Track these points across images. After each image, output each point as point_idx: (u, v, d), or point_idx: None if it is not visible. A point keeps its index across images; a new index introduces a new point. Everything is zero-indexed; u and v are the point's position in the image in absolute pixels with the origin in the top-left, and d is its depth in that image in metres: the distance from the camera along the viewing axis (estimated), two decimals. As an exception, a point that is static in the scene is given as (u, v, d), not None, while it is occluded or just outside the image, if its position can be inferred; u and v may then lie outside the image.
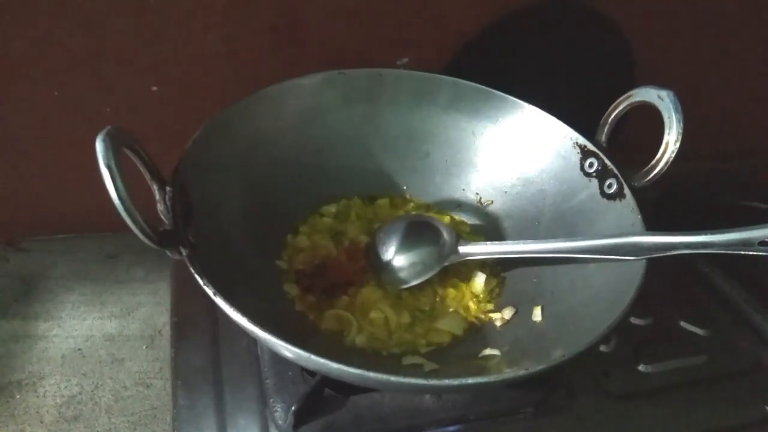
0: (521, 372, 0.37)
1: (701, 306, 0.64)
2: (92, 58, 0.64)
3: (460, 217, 0.62)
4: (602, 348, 0.56)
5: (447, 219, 0.61)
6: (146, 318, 0.70)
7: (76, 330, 0.68)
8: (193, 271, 0.39)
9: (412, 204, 0.63)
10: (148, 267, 0.75)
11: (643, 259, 0.45)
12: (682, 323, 0.61)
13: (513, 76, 0.65)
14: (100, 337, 0.67)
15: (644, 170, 0.50)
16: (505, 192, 0.60)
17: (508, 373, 0.38)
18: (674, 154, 0.48)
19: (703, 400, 0.55)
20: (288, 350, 0.37)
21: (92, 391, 0.62)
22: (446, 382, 0.36)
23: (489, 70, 0.66)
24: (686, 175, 0.78)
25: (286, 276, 0.53)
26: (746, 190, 0.79)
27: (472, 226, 0.61)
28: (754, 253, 0.41)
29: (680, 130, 0.47)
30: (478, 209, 0.61)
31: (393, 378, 0.36)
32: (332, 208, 0.60)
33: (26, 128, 0.67)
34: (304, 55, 0.69)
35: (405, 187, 0.63)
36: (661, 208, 0.73)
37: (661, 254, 0.45)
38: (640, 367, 0.56)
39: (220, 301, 0.38)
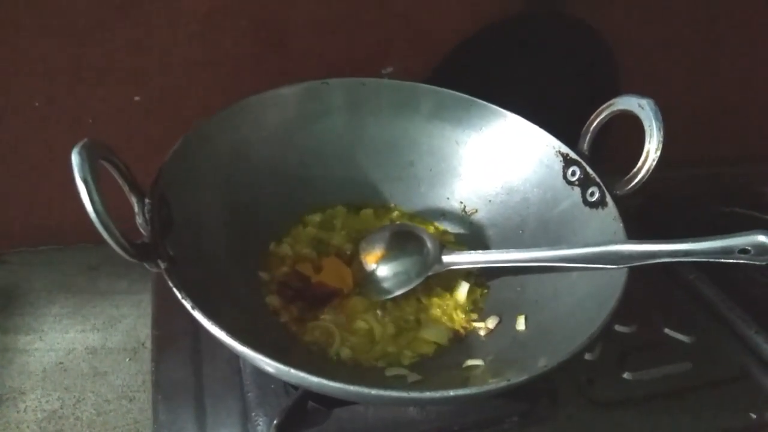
0: (503, 383, 0.37)
1: (686, 313, 0.64)
2: (74, 67, 0.63)
3: (444, 226, 0.62)
4: (587, 356, 0.56)
5: (431, 228, 0.61)
6: (129, 330, 0.69)
7: (58, 343, 0.67)
8: (171, 284, 0.38)
9: (396, 213, 0.62)
10: (131, 279, 0.74)
11: (624, 267, 0.45)
12: (667, 330, 0.61)
13: (497, 84, 0.65)
14: (82, 350, 0.66)
15: (626, 178, 0.50)
16: (489, 201, 0.60)
17: (491, 385, 0.37)
18: (655, 162, 0.48)
19: (688, 407, 0.55)
20: (268, 364, 0.37)
21: (74, 405, 0.61)
22: (427, 394, 0.36)
23: (473, 79, 0.66)
24: (670, 182, 0.79)
25: (268, 287, 0.53)
26: (729, 196, 0.79)
27: (457, 235, 0.61)
28: (735, 260, 0.42)
29: (661, 139, 0.48)
30: (462, 218, 0.61)
31: (374, 391, 0.35)
32: (316, 218, 0.60)
33: (6, 139, 0.66)
34: (289, 64, 0.69)
35: (390, 196, 0.63)
36: (645, 215, 0.74)
37: (643, 262, 0.45)
38: (625, 375, 0.56)
39: (198, 315, 0.37)
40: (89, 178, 0.36)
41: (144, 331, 0.68)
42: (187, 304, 0.37)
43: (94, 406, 0.61)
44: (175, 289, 0.38)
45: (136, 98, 0.67)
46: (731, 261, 0.42)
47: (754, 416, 0.54)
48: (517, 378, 0.37)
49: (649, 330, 0.61)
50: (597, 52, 0.77)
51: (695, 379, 0.57)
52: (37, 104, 0.65)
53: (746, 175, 0.89)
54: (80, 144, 0.37)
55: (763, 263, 0.40)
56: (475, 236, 0.60)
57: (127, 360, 0.66)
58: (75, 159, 0.36)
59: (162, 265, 0.40)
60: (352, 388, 0.35)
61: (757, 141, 0.93)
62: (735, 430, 0.54)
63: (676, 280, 0.67)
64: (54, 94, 0.65)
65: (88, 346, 0.67)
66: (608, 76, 0.78)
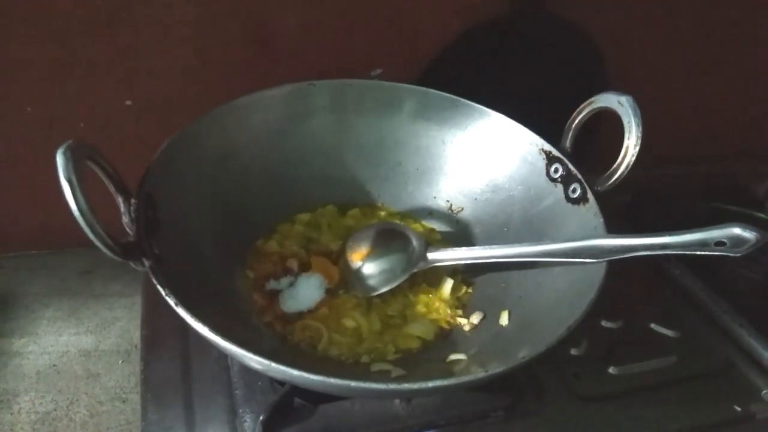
0: (481, 374, 0.37)
1: (671, 308, 0.64)
2: (65, 73, 0.64)
3: (431, 224, 0.62)
4: (573, 351, 0.57)
5: (418, 227, 0.62)
6: (122, 332, 0.70)
7: (52, 346, 0.67)
8: (155, 281, 0.39)
9: (384, 212, 0.63)
10: (124, 281, 0.74)
11: (603, 261, 0.45)
12: (653, 325, 0.61)
13: (485, 84, 0.66)
14: (76, 352, 0.67)
15: (606, 174, 0.51)
16: (475, 199, 0.61)
17: (470, 376, 0.38)
18: (634, 157, 0.49)
19: (674, 401, 0.55)
20: (251, 359, 0.37)
21: (67, 407, 0.62)
22: (406, 386, 0.36)
23: (462, 79, 0.66)
24: (658, 179, 0.80)
25: (255, 286, 0.54)
26: (718, 193, 0.80)
27: (443, 233, 0.62)
28: (711, 253, 0.42)
29: (639, 135, 0.48)
30: (449, 216, 0.62)
31: (353, 383, 0.36)
32: (305, 217, 0.61)
33: (0, 144, 0.67)
34: (279, 68, 0.70)
35: (377, 196, 0.64)
36: (633, 212, 0.75)
37: (622, 256, 0.45)
38: (611, 370, 0.56)
39: (182, 312, 0.38)
40: (73, 178, 0.36)
41: (137, 333, 0.69)
42: (171, 301, 0.38)
43: (87, 408, 0.62)
44: (159, 286, 0.39)
45: (128, 102, 0.68)
46: (708, 253, 0.42)
47: (738, 409, 0.55)
48: (495, 369, 0.37)
49: (634, 325, 0.61)
50: (584, 51, 0.77)
51: (680, 372, 0.57)
52: (29, 109, 0.65)
53: (735, 172, 0.89)
54: (65, 145, 0.37)
55: (738, 255, 0.41)
56: (461, 234, 0.61)
57: (120, 362, 0.67)
58: (59, 159, 0.37)
59: (146, 263, 0.40)
60: (332, 380, 0.36)
61: (746, 138, 0.93)
62: (720, 423, 0.54)
63: (662, 276, 0.68)
64: (46, 99, 0.65)
65: (81, 348, 0.67)
66: (596, 74, 0.79)
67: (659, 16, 0.80)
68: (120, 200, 0.43)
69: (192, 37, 0.66)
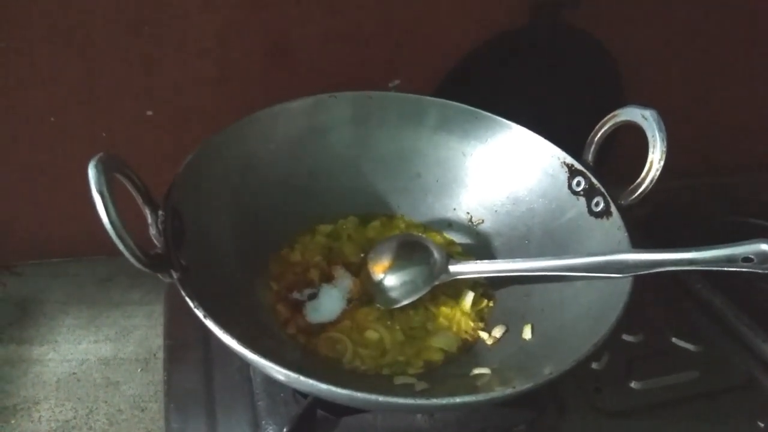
0: (508, 390, 0.37)
1: (693, 322, 0.64)
2: (88, 83, 0.65)
3: (451, 236, 0.62)
4: (594, 365, 0.56)
5: (438, 238, 0.62)
6: (141, 341, 0.70)
7: (71, 354, 0.68)
8: (183, 293, 0.39)
9: (403, 225, 0.63)
10: (143, 290, 0.75)
11: (629, 276, 0.45)
12: (674, 339, 0.61)
13: (503, 96, 0.66)
14: (95, 360, 0.67)
15: (630, 188, 0.51)
16: (496, 211, 0.61)
17: (496, 392, 0.38)
18: (659, 172, 0.49)
19: (696, 416, 0.55)
20: (278, 372, 0.37)
21: (87, 415, 0.62)
22: (433, 401, 0.36)
23: (480, 91, 0.67)
24: (677, 192, 0.80)
25: (277, 297, 0.54)
26: (737, 206, 0.79)
27: (464, 245, 0.62)
28: (738, 269, 0.42)
29: (664, 149, 0.48)
30: (469, 228, 0.62)
31: (381, 398, 0.36)
32: (326, 228, 0.61)
33: (23, 153, 0.68)
34: (298, 78, 0.71)
35: (397, 207, 0.64)
36: (652, 225, 0.74)
37: (647, 271, 0.45)
38: (632, 384, 0.56)
39: (210, 324, 0.38)
40: (105, 191, 0.36)
41: (156, 341, 0.69)
42: (200, 314, 0.38)
43: (107, 416, 0.62)
44: (187, 299, 0.39)
45: (149, 113, 0.68)
46: (735, 270, 0.42)
47: (761, 425, 0.54)
48: (522, 385, 0.37)
49: (656, 339, 0.61)
50: (602, 63, 0.77)
51: (702, 387, 0.57)
52: (53, 119, 0.66)
53: (754, 184, 0.89)
54: (96, 157, 0.38)
55: (766, 271, 0.41)
56: (481, 246, 0.61)
57: (139, 370, 0.67)
58: (91, 172, 0.37)
59: (175, 275, 0.40)
60: (359, 395, 0.36)
61: (764, 150, 0.93)
62: (743, 438, 0.54)
63: (684, 290, 0.67)
64: (69, 109, 0.66)
65: (100, 356, 0.68)
66: (613, 87, 0.79)
67: (676, 28, 0.80)
68: (147, 212, 0.43)
69: (212, 49, 0.66)
